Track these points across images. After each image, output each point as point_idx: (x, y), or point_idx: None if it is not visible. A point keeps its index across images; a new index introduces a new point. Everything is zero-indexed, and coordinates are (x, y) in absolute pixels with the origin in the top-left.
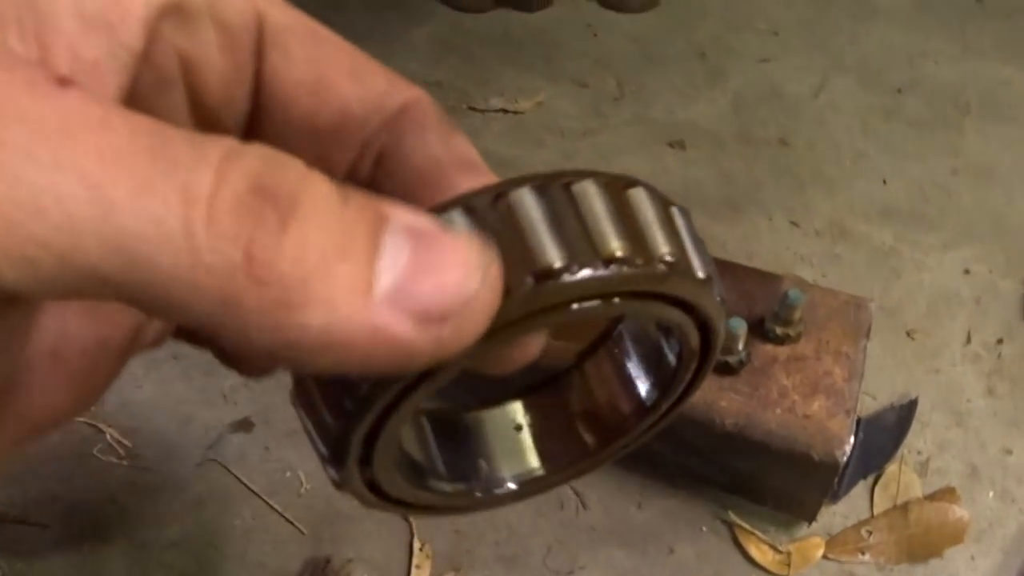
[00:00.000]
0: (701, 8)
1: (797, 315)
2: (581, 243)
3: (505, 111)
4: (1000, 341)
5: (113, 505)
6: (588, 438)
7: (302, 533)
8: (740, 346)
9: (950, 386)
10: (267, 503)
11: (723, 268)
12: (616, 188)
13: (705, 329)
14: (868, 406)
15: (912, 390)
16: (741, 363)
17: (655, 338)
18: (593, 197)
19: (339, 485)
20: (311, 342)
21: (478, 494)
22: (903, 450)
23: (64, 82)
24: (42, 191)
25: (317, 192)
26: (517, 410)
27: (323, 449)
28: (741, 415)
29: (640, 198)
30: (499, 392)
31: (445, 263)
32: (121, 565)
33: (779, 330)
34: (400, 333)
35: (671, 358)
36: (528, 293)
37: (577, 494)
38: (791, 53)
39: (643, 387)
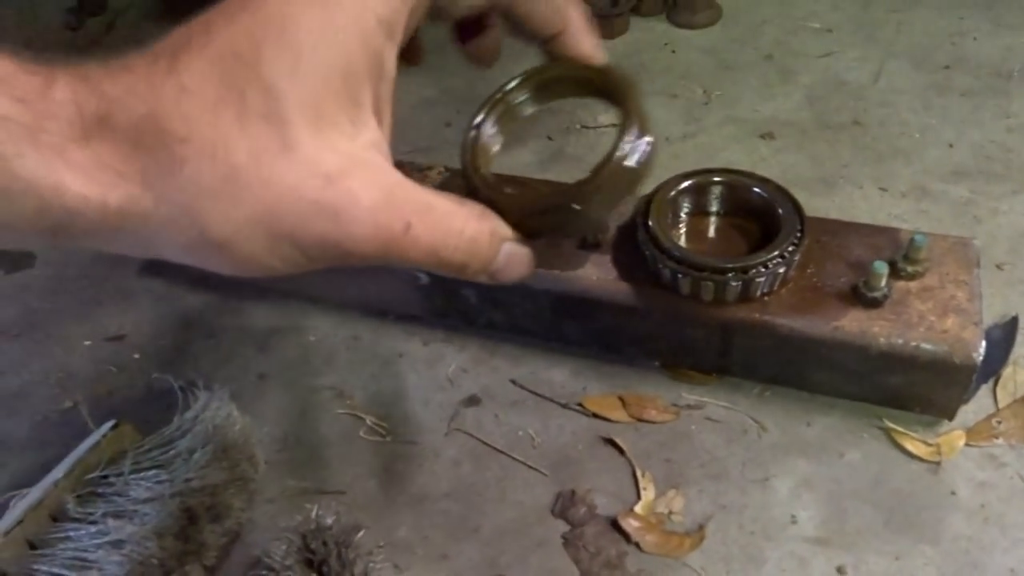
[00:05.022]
0: (759, 17)
1: (923, 254)
2: None
3: (613, 125)
4: None
5: (387, 472)
6: None
7: (544, 475)
8: (883, 283)
9: None
10: (511, 456)
11: (849, 228)
12: None
13: None
14: None
15: (1010, 310)
16: (885, 296)
17: None
18: None
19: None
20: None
21: None
22: (1012, 357)
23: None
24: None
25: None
26: None
27: None
28: (892, 336)
29: None
30: None
31: (519, 263)
32: (408, 516)
33: (909, 268)
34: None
35: None
36: None
37: (756, 421)
38: (847, 47)
39: None
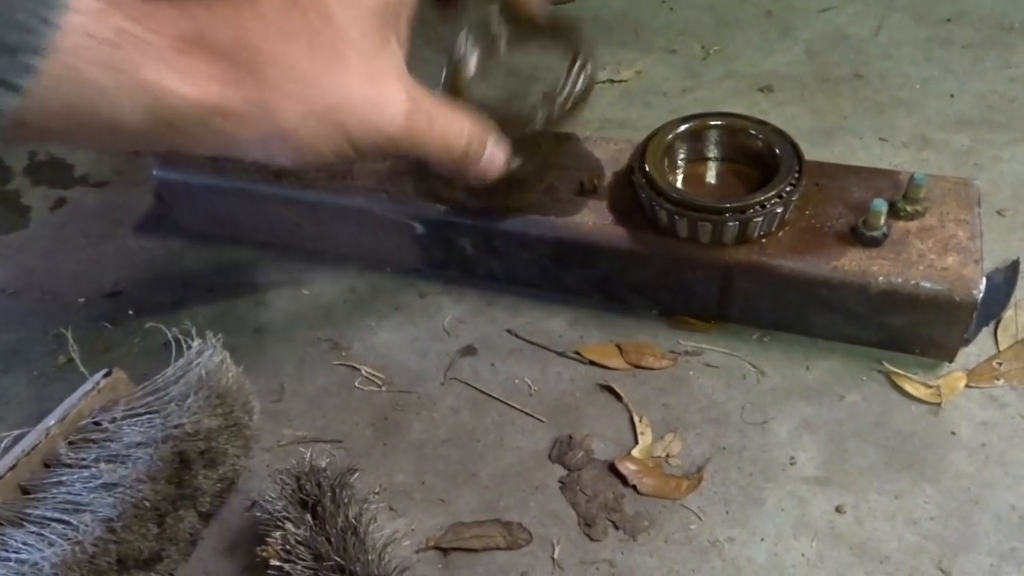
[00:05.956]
0: None
1: (922, 193)
2: None
3: (612, 81)
4: None
5: (385, 420)
6: None
7: (542, 422)
8: (882, 222)
9: None
10: (508, 404)
11: (848, 171)
12: None
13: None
14: None
15: (1012, 255)
16: (884, 235)
17: None
18: None
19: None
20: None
21: None
22: (1013, 300)
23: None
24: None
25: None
26: None
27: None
28: (891, 274)
29: None
30: None
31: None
32: (408, 461)
33: (909, 208)
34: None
35: None
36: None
37: (755, 366)
38: (847, 3)
39: None
